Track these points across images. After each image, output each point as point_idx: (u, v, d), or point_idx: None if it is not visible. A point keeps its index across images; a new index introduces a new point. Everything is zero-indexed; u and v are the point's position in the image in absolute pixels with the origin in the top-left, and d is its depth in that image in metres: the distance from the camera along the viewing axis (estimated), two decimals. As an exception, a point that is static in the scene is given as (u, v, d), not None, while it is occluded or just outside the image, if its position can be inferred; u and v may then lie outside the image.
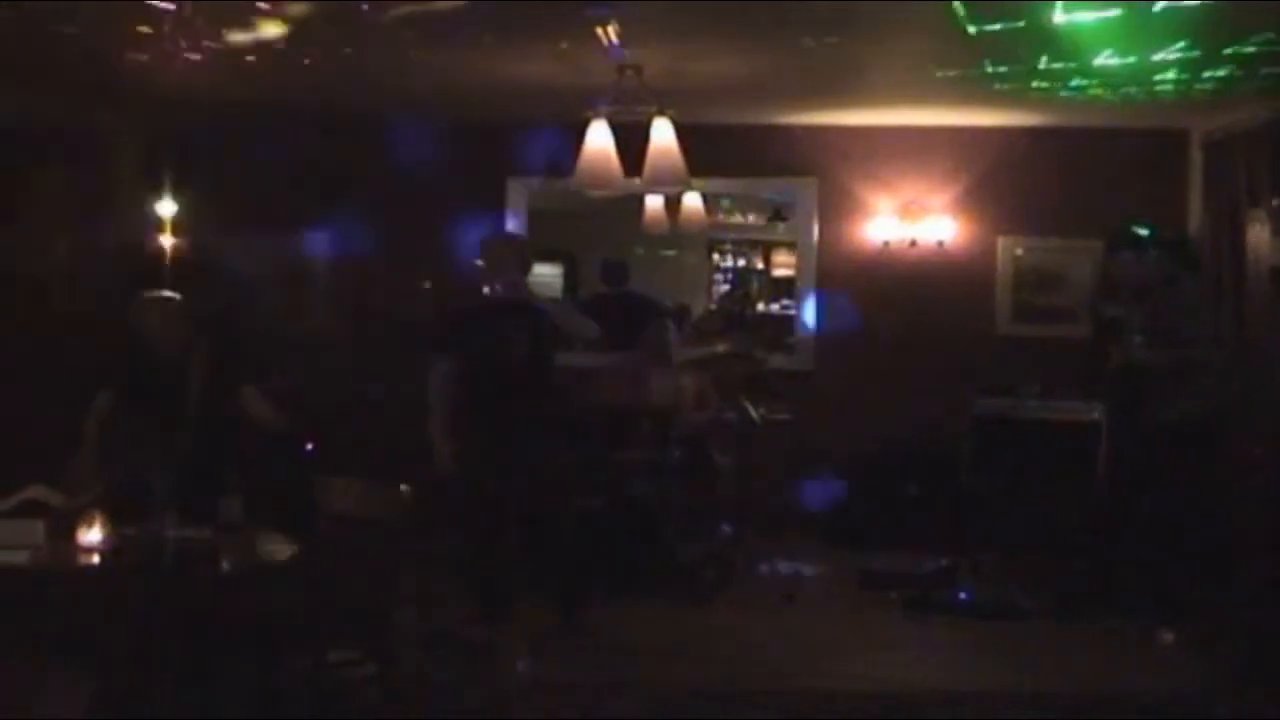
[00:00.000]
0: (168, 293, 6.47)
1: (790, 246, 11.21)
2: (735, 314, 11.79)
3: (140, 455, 5.57)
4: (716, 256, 13.97)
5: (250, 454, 6.03)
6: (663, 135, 6.42)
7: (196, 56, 7.10)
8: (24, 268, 8.58)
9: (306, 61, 7.34)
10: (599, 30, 6.16)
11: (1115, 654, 6.90)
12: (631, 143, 6.54)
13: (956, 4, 5.90)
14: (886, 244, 9.84)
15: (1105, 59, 6.90)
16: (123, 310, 6.33)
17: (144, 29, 6.51)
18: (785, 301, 12.15)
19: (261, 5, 6.12)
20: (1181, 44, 6.58)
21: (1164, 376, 7.29)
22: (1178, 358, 7.25)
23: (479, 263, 6.77)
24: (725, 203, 12.23)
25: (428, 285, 6.90)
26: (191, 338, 6.24)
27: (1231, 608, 6.80)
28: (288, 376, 7.50)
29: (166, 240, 9.46)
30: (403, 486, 5.22)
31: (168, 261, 9.39)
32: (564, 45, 6.72)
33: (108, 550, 4.94)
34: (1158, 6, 5.85)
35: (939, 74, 7.59)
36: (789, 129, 9.66)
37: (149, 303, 6.34)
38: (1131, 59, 6.90)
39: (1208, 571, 7.08)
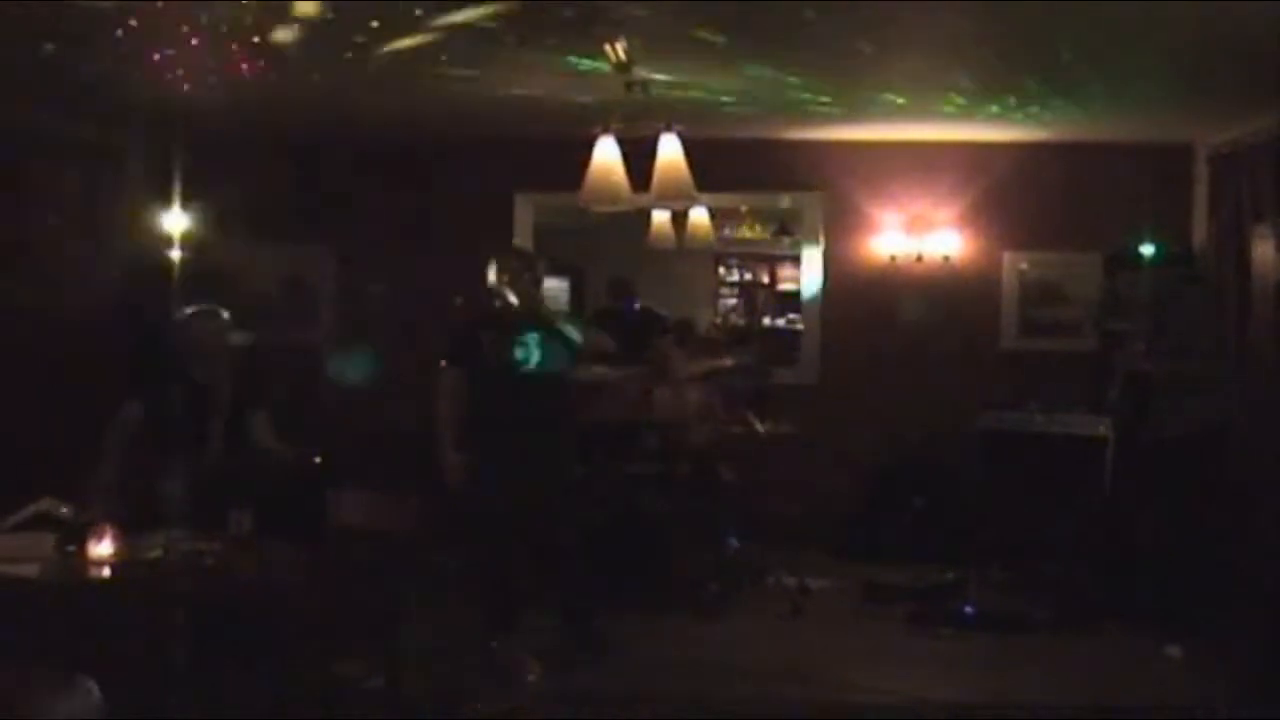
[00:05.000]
0: (214, 307, 6.48)
1: (796, 261, 11.23)
2: (740, 328, 11.82)
3: (163, 469, 5.58)
4: (722, 271, 14.01)
5: (260, 466, 6.05)
6: (670, 150, 6.43)
7: (207, 71, 7.15)
8: (34, 281, 8.60)
9: (315, 77, 7.38)
10: (607, 46, 6.18)
11: (1121, 667, 6.90)
12: (639, 158, 6.57)
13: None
14: (893, 258, 9.87)
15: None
16: (132, 324, 6.34)
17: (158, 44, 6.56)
18: (791, 316, 12.18)
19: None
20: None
21: (1170, 390, 7.31)
22: (1183, 371, 7.27)
23: (490, 276, 6.77)
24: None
25: (459, 301, 6.90)
26: (228, 353, 6.29)
27: (1238, 621, 6.80)
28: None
29: (175, 254, 9.48)
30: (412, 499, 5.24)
31: (177, 276, 9.42)
32: (572, 60, 6.77)
33: (117, 563, 4.95)
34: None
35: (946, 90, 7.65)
36: (796, 144, 9.68)
37: (196, 316, 6.36)
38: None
39: (1214, 585, 7.09)
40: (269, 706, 5.06)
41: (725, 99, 7.95)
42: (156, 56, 6.92)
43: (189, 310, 6.47)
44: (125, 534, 5.02)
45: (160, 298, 8.69)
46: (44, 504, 5.30)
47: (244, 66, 7.02)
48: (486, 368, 6.72)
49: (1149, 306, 7.62)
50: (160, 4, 5.97)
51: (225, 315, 6.46)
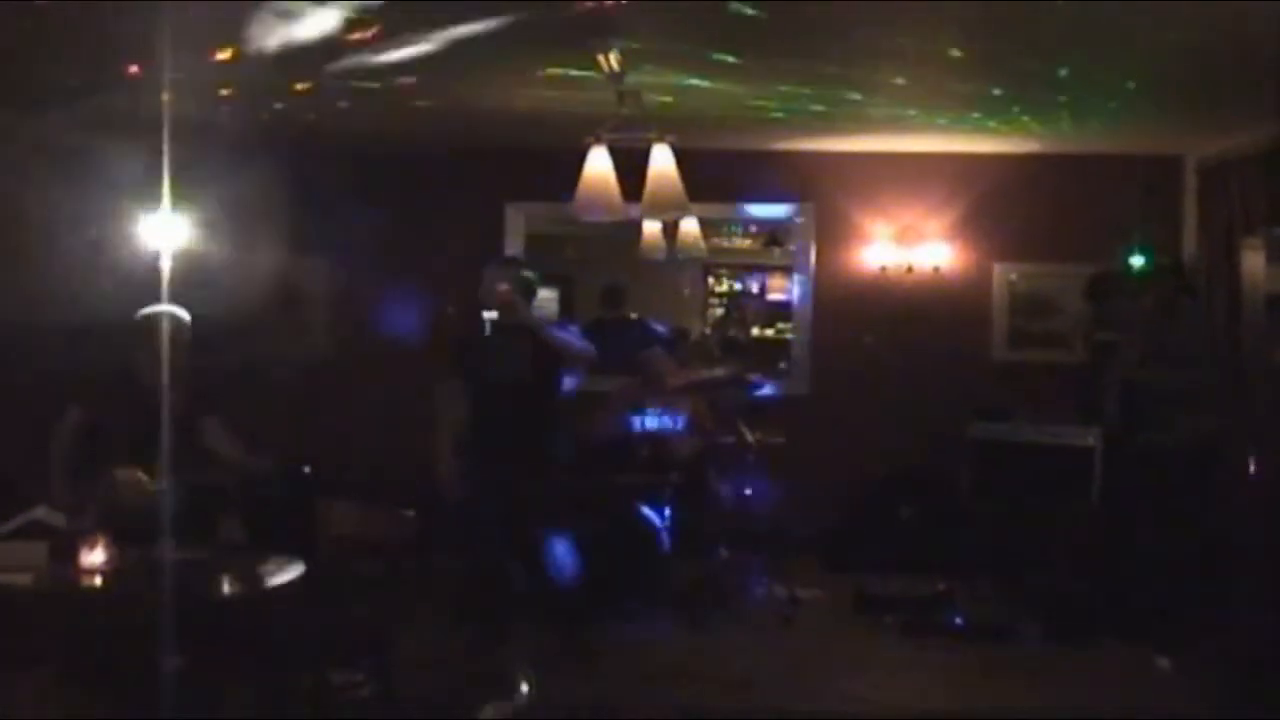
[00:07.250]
0: (173, 308, 6.18)
1: (786, 271, 11.25)
2: (730, 338, 11.82)
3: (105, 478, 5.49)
4: (712, 281, 14.02)
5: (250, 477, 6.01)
6: (662, 161, 6.43)
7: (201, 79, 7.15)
8: (23, 287, 8.58)
9: (306, 86, 7.38)
10: (600, 58, 6.19)
11: (1111, 678, 6.91)
12: (631, 168, 6.57)
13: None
14: (883, 269, 9.88)
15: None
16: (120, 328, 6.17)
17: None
18: (781, 326, 12.20)
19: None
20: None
21: (1160, 401, 7.33)
22: (1174, 382, 7.29)
23: (482, 286, 6.77)
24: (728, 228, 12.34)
25: (451, 311, 6.92)
26: (190, 356, 6.07)
27: (1228, 631, 6.81)
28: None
29: (164, 262, 9.44)
30: (409, 512, 5.23)
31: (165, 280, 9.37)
32: (566, 71, 6.78)
33: (110, 572, 4.95)
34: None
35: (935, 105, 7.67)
36: (787, 155, 9.70)
37: (154, 318, 6.11)
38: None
39: (1205, 595, 7.10)
40: (260, 716, 5.06)
41: (717, 110, 7.96)
42: (143, 61, 6.91)
43: (144, 311, 6.16)
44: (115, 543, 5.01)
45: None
46: (38, 512, 5.30)
47: (230, 68, 7.02)
48: (479, 376, 6.74)
49: (1143, 318, 7.64)
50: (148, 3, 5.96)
51: (185, 316, 6.15)
